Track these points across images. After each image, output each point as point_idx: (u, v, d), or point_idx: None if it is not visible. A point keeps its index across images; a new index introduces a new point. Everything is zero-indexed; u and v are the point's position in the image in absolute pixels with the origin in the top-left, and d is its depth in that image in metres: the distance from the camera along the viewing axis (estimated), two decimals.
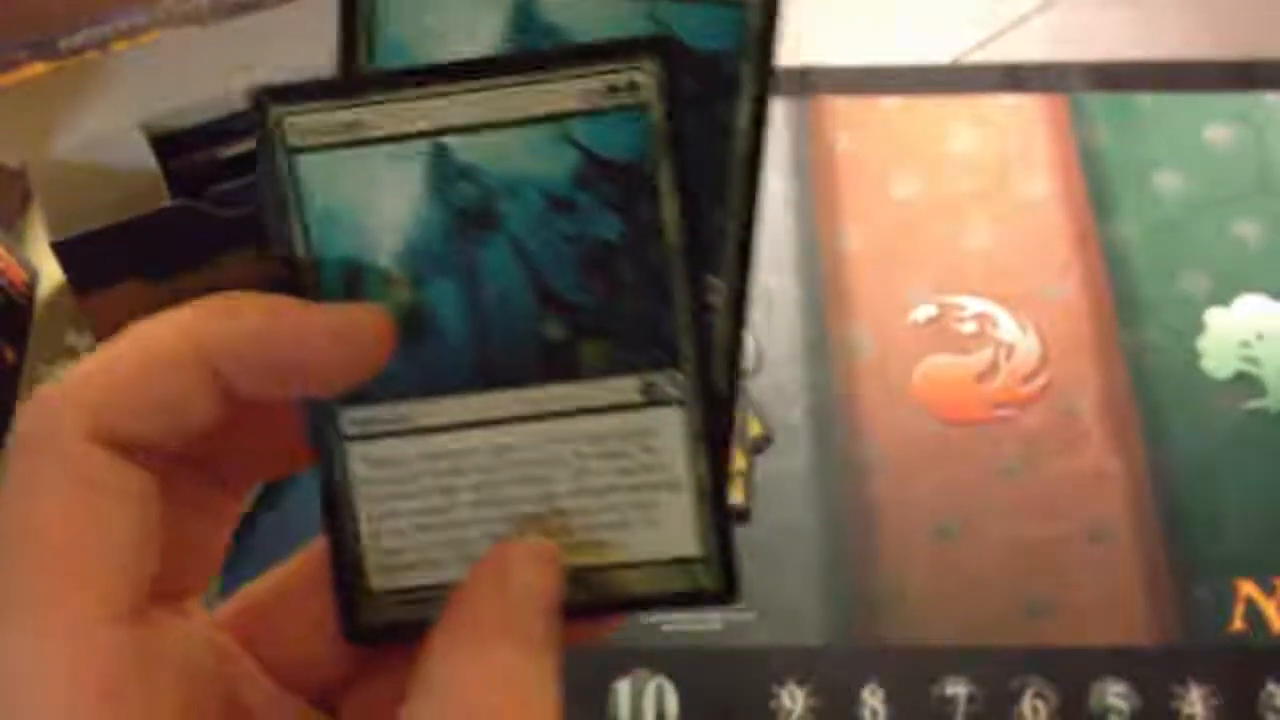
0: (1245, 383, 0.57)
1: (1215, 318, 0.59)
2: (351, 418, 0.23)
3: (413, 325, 0.23)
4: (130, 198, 0.55)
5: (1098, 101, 0.66)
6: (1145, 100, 0.66)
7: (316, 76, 0.23)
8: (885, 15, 0.72)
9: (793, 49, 0.70)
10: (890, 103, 0.66)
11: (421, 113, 0.23)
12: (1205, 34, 0.70)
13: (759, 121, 0.24)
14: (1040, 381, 0.58)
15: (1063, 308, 0.60)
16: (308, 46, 0.56)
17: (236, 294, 0.22)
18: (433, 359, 0.23)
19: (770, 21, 0.23)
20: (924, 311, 0.59)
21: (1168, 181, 0.63)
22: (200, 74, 0.57)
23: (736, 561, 0.24)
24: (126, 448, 0.21)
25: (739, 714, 0.50)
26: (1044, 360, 0.58)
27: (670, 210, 0.23)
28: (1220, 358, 0.58)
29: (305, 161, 0.23)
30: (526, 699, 0.22)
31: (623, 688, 0.50)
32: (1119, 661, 0.51)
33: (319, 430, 0.24)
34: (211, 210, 0.56)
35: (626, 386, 0.23)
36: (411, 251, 0.23)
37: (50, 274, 0.60)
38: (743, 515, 0.54)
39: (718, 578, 0.24)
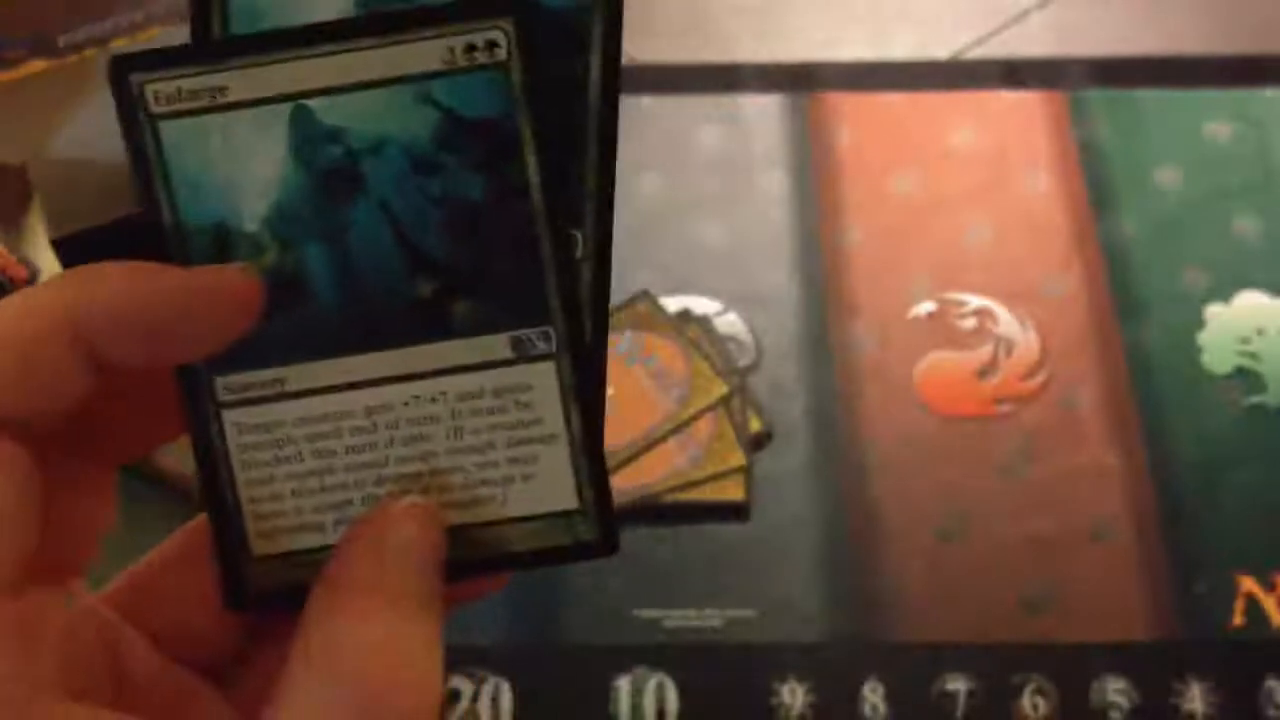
0: (1245, 378, 0.57)
1: (1215, 313, 0.59)
2: (225, 384, 0.23)
3: (283, 289, 0.23)
4: (130, 195, 0.55)
5: (1097, 98, 0.66)
6: (1145, 96, 0.66)
7: (174, 44, 0.23)
8: (885, 12, 0.72)
9: (792, 46, 0.70)
10: (890, 99, 0.66)
11: (283, 76, 0.23)
12: (1204, 30, 0.70)
13: (610, 75, 0.24)
14: (1040, 377, 0.58)
15: (1063, 304, 0.60)
16: None
17: (101, 264, 0.22)
18: (304, 322, 0.23)
19: None
20: (924, 307, 0.59)
21: (1167, 177, 0.63)
22: None
23: (612, 513, 0.24)
24: None
25: (739, 710, 0.50)
26: (1044, 356, 0.58)
27: (532, 167, 0.23)
28: (1220, 353, 0.58)
29: (168, 128, 0.23)
30: (405, 661, 0.21)
31: (623, 685, 0.50)
32: (1119, 657, 0.51)
33: (191, 397, 0.23)
34: None
35: (497, 343, 0.24)
36: (279, 215, 0.23)
37: (50, 271, 0.60)
38: (743, 512, 0.54)
39: (596, 529, 0.24)
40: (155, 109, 0.23)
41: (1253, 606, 0.52)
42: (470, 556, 0.24)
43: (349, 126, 0.23)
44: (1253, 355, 0.58)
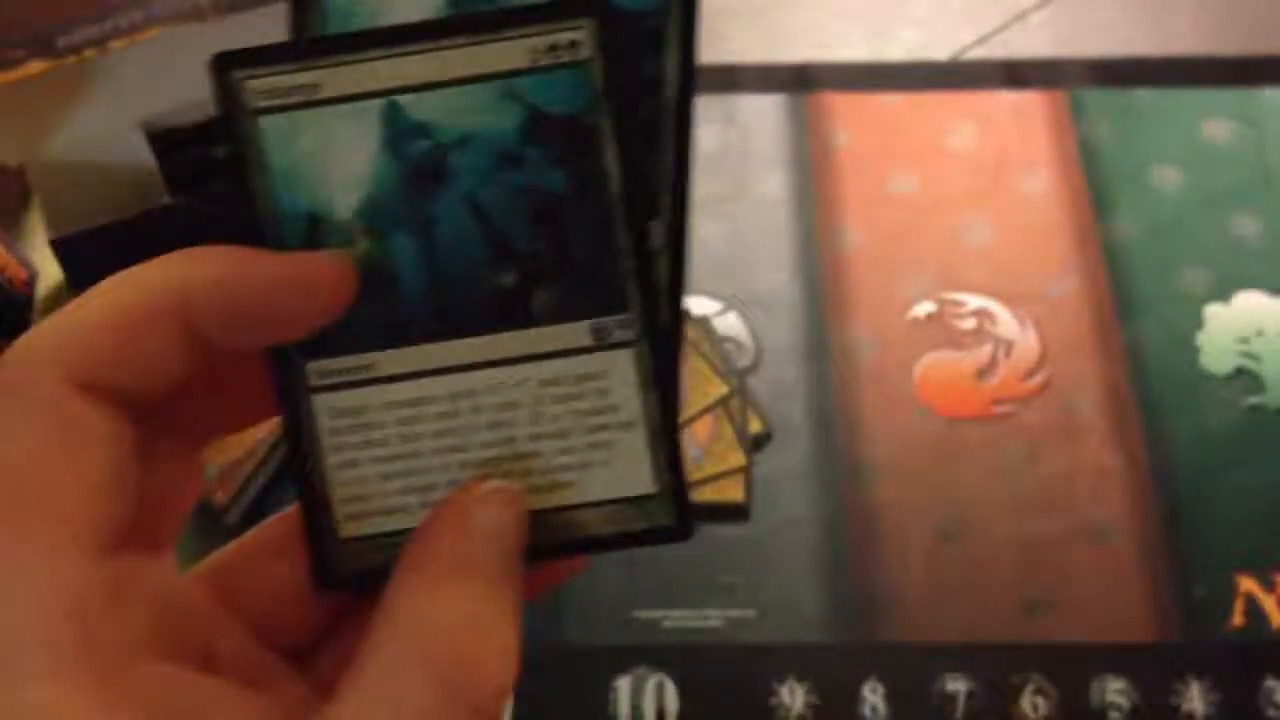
0: (1244, 379, 0.57)
1: (1214, 314, 0.59)
2: (316, 369, 0.24)
3: (372, 278, 0.24)
4: (129, 196, 0.55)
5: (1097, 98, 0.66)
6: (1144, 96, 0.66)
7: (273, 42, 0.24)
8: (885, 12, 0.72)
9: (792, 46, 0.70)
10: (890, 99, 0.66)
11: (375, 73, 0.24)
12: (1204, 30, 0.70)
13: (686, 73, 0.25)
14: (1039, 378, 0.58)
15: (1062, 304, 0.60)
16: None
17: (204, 247, 0.23)
18: (392, 310, 0.24)
19: None
20: (923, 308, 0.59)
21: (1167, 177, 0.63)
22: (198, 72, 0.57)
23: (688, 498, 0.25)
24: (100, 393, 0.21)
25: (739, 711, 0.50)
26: (1043, 357, 0.58)
27: (612, 161, 0.24)
28: (1219, 354, 0.58)
29: (266, 121, 0.24)
30: (487, 637, 0.22)
31: (623, 685, 0.50)
32: (1119, 657, 0.51)
33: (284, 383, 0.24)
34: (209, 208, 0.56)
35: (578, 331, 0.24)
36: (369, 206, 0.24)
37: (49, 272, 0.60)
38: (743, 512, 0.54)
39: (672, 514, 0.25)
40: (255, 103, 0.24)
41: (1253, 606, 0.52)
42: (548, 540, 0.25)
43: (437, 121, 0.24)
44: (1252, 355, 0.58)
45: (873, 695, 0.50)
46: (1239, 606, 0.52)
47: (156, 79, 0.57)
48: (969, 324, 0.59)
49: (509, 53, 0.24)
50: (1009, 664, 0.51)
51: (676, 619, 0.52)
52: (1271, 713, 0.49)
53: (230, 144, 0.24)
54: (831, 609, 0.52)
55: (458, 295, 0.24)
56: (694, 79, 0.25)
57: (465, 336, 0.24)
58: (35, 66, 0.58)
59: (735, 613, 0.52)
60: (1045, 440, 0.56)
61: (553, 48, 0.24)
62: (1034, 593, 0.52)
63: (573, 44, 0.24)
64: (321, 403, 0.24)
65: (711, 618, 0.52)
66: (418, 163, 0.24)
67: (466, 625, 0.22)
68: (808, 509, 0.54)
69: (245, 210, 0.24)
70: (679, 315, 0.25)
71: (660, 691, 0.50)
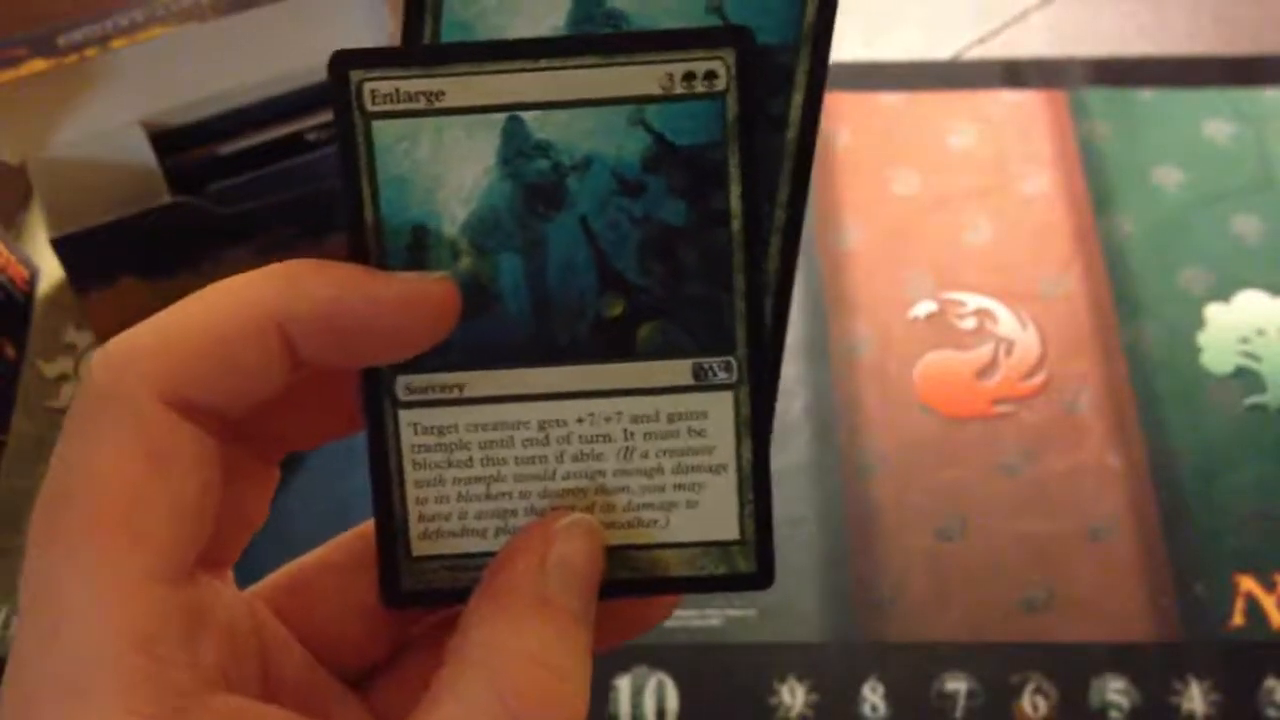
0: (1245, 378, 0.57)
1: (1215, 313, 0.59)
2: (406, 384, 0.24)
3: (474, 296, 0.23)
4: (130, 195, 0.55)
5: (1097, 97, 0.66)
6: (1145, 96, 0.66)
7: (396, 45, 0.23)
8: (885, 12, 0.72)
9: None
10: (890, 99, 0.66)
11: (500, 86, 0.23)
12: (1205, 29, 0.70)
13: (811, 115, 0.24)
14: (1040, 377, 0.58)
15: (1063, 303, 0.60)
16: (307, 43, 0.56)
17: (306, 261, 0.22)
18: (491, 330, 0.24)
19: (827, 15, 0.24)
20: (924, 307, 0.59)
21: (1167, 177, 0.63)
22: (200, 71, 0.57)
23: (772, 547, 0.24)
24: (193, 411, 0.21)
25: (739, 710, 0.50)
26: (1044, 356, 0.58)
27: (736, 200, 0.23)
28: (1220, 353, 0.58)
29: (380, 127, 0.23)
30: (559, 675, 0.22)
31: (623, 684, 0.50)
32: (1119, 657, 0.51)
33: (371, 395, 0.24)
34: (211, 207, 0.56)
35: (679, 369, 0.24)
36: (479, 223, 0.23)
37: (50, 271, 0.60)
38: None
39: (754, 561, 0.24)
40: (371, 107, 0.23)
41: (1253, 606, 0.52)
42: (626, 577, 0.24)
43: (560, 142, 0.23)
44: (1253, 355, 0.58)
45: (873, 695, 0.50)
46: (1239, 606, 0.52)
47: (158, 78, 0.57)
48: (969, 324, 0.59)
49: (641, 78, 0.23)
50: (1009, 664, 0.51)
51: (676, 618, 0.52)
52: (1271, 713, 0.49)
53: (340, 146, 0.23)
54: (831, 609, 0.52)
55: (560, 322, 0.24)
56: (817, 120, 0.24)
57: (563, 364, 0.24)
58: (35, 66, 0.58)
59: (735, 612, 0.52)
60: (1045, 440, 0.56)
61: (688, 76, 0.23)
62: (1034, 592, 0.52)
63: (710, 75, 0.23)
64: (408, 418, 0.24)
65: (711, 617, 0.52)
66: (534, 182, 0.23)
67: (541, 661, 0.22)
68: (808, 508, 0.54)
69: (348, 216, 0.23)
70: (778, 362, 0.24)
71: (660, 691, 0.50)
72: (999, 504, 0.54)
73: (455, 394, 0.24)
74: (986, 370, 0.58)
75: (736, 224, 0.23)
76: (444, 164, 0.23)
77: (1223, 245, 0.61)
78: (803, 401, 0.57)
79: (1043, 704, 0.50)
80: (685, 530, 0.24)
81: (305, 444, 0.25)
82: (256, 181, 0.56)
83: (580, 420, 0.24)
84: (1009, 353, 0.58)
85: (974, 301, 0.60)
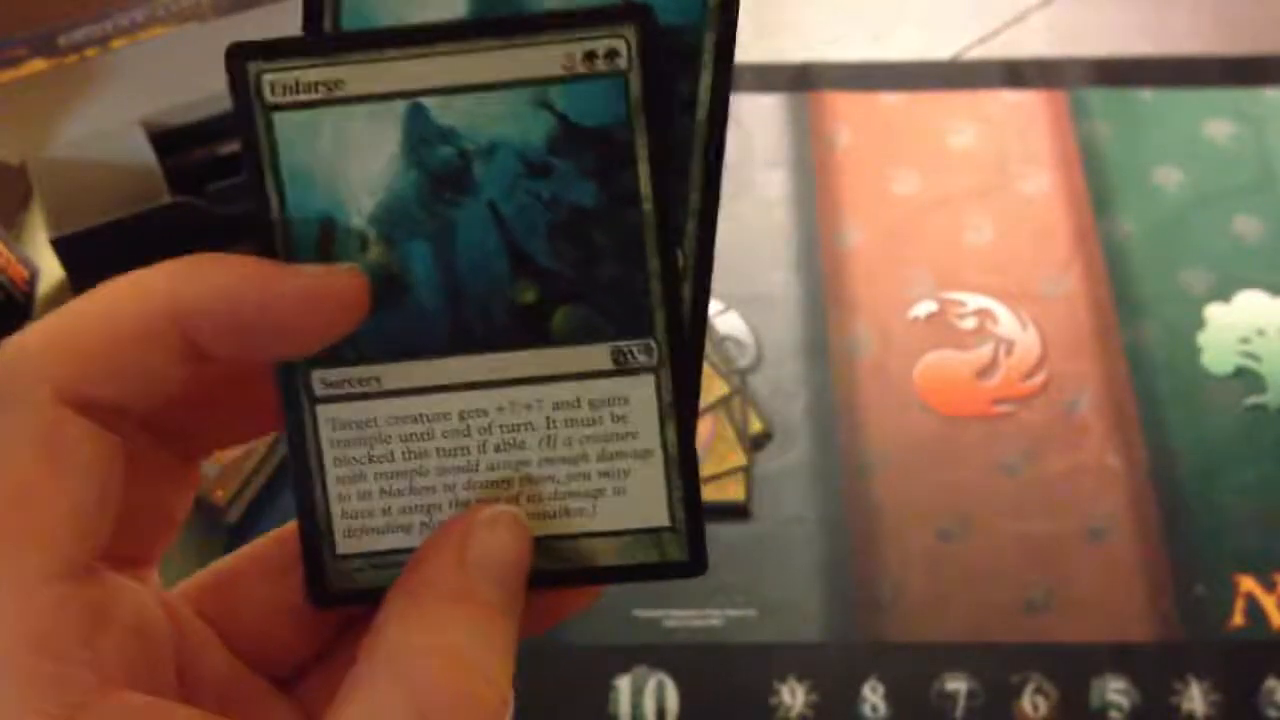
0: (1245, 378, 0.57)
1: (1215, 313, 0.59)
2: (321, 378, 0.23)
3: (386, 287, 0.23)
4: (130, 194, 0.55)
5: (1098, 97, 0.66)
6: (1145, 96, 0.66)
7: (293, 34, 0.23)
8: (886, 11, 0.72)
9: (792, 46, 0.70)
10: (891, 99, 0.66)
11: (400, 73, 0.22)
12: (1205, 29, 0.70)
13: (720, 95, 0.24)
14: (1040, 377, 0.58)
15: (1063, 304, 0.60)
16: None
17: (206, 255, 0.22)
18: (405, 321, 0.23)
19: None
20: (924, 308, 0.59)
21: (1168, 177, 0.63)
22: (200, 71, 0.57)
23: (703, 533, 0.24)
24: (93, 409, 0.21)
25: (739, 710, 0.50)
26: (1044, 356, 0.58)
27: (645, 178, 0.23)
28: (1220, 354, 0.58)
29: (282, 119, 0.23)
30: (475, 672, 0.21)
31: (623, 684, 0.50)
32: (1119, 657, 0.51)
33: (288, 390, 0.23)
34: (211, 207, 0.56)
35: (598, 354, 0.23)
36: (386, 213, 0.23)
37: (50, 270, 0.60)
38: (743, 512, 0.54)
39: (685, 549, 0.24)
40: (271, 99, 0.23)
41: (1253, 606, 0.52)
42: (555, 568, 0.24)
43: (463, 127, 0.23)
44: (1253, 355, 0.58)
45: (873, 695, 0.50)
46: (1239, 606, 0.52)
47: (158, 78, 0.57)
48: (970, 323, 0.59)
49: (542, 59, 0.22)
50: (1009, 664, 0.51)
51: (677, 618, 0.52)
52: (1271, 713, 0.49)
53: (243, 140, 0.23)
54: (831, 609, 0.52)
55: (474, 309, 0.23)
56: (728, 102, 0.23)
57: (479, 353, 0.23)
58: (36, 66, 0.58)
59: (735, 612, 0.52)
60: (1045, 440, 0.56)
61: (589, 55, 0.22)
62: (1034, 592, 0.52)
63: (611, 53, 0.22)
64: (326, 413, 0.23)
65: (711, 617, 0.52)
66: (440, 170, 0.23)
67: (456, 659, 0.21)
68: (808, 508, 0.54)
69: (254, 210, 0.23)
70: (699, 345, 0.24)
71: (660, 691, 0.50)
72: (999, 504, 0.54)
73: (373, 387, 0.23)
74: (986, 370, 0.58)
75: (648, 205, 0.23)
76: (348, 154, 0.23)
77: (1223, 245, 0.61)
78: (803, 401, 0.57)
79: (1043, 704, 0.50)
80: (613, 518, 0.24)
81: (225, 442, 0.25)
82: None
83: (501, 409, 0.23)
84: (1009, 353, 0.58)
85: (974, 301, 0.60)
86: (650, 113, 0.23)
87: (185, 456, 0.24)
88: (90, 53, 0.58)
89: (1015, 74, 0.67)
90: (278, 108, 0.23)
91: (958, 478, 0.55)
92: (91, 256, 0.55)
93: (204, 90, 0.57)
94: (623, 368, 0.23)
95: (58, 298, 0.60)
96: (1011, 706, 0.50)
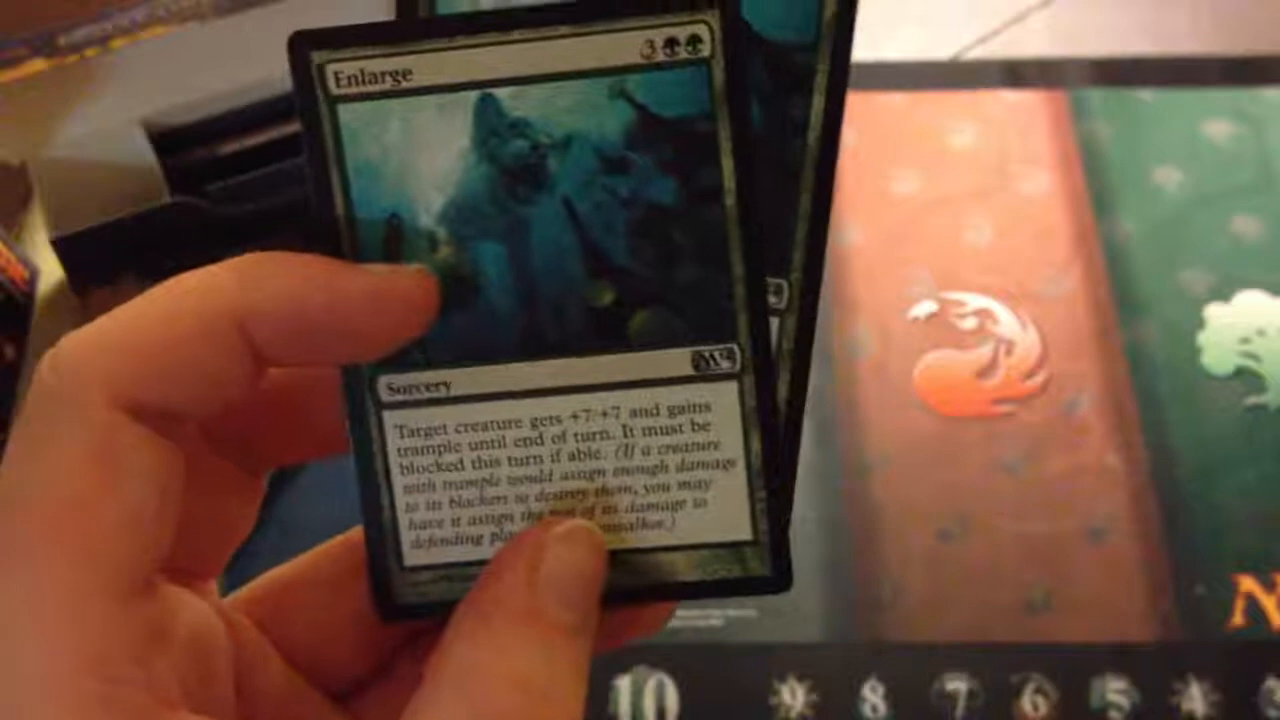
0: (1245, 379, 0.57)
1: (1215, 313, 0.59)
2: (388, 383, 0.22)
3: (455, 288, 0.22)
4: (130, 194, 0.55)
5: (1098, 97, 0.66)
6: (1145, 96, 0.66)
7: (359, 22, 0.22)
8: (885, 12, 0.72)
9: None
10: (891, 99, 0.66)
11: (471, 62, 0.21)
12: (1205, 29, 0.70)
13: (832, 120, 0.22)
14: (1040, 377, 0.58)
15: (1063, 304, 0.60)
16: None
17: (269, 253, 0.21)
18: (476, 324, 0.22)
19: (847, 11, 0.22)
20: (924, 308, 0.59)
21: (1168, 177, 0.63)
22: (200, 70, 0.57)
23: (787, 547, 0.23)
24: (151, 415, 0.20)
25: (740, 710, 0.50)
26: (1044, 356, 0.58)
27: (729, 174, 0.22)
28: (1220, 354, 0.58)
29: (347, 111, 0.22)
30: (545, 697, 0.20)
31: (623, 684, 0.50)
32: (1119, 657, 0.51)
33: (353, 396, 0.22)
34: (211, 207, 0.56)
35: (678, 359, 0.22)
36: (456, 210, 0.22)
37: (50, 271, 0.60)
38: None
39: (769, 563, 0.23)
40: (335, 90, 0.21)
41: (1253, 606, 0.52)
42: (630, 583, 0.23)
43: (536, 119, 0.21)
44: (1253, 355, 0.58)
45: (873, 695, 0.50)
46: (1239, 606, 0.52)
47: (158, 77, 0.57)
48: (970, 324, 0.59)
49: (620, 46, 0.21)
50: (1009, 664, 0.51)
51: (677, 618, 0.52)
52: (1271, 713, 0.49)
53: (305, 133, 0.22)
54: (831, 609, 0.52)
55: (547, 312, 0.22)
56: (840, 127, 0.22)
57: (553, 357, 0.22)
58: (36, 65, 0.58)
59: (735, 612, 0.52)
60: (1045, 440, 0.56)
61: (670, 43, 0.21)
62: (1034, 593, 0.52)
63: (693, 40, 0.21)
64: (393, 420, 0.22)
65: (712, 617, 0.52)
66: (512, 164, 0.22)
67: (525, 682, 0.20)
68: (808, 508, 0.54)
69: (317, 207, 0.22)
70: (803, 382, 0.23)
71: (660, 691, 0.50)
72: (999, 504, 0.54)
73: (441, 392, 0.22)
74: (986, 370, 0.58)
75: (730, 200, 0.22)
76: (416, 148, 0.22)
77: (1223, 245, 0.61)
78: None
79: (1043, 704, 0.50)
80: (693, 531, 0.23)
81: (289, 456, 0.24)
82: (256, 181, 0.56)
83: (575, 416, 0.22)
84: (1009, 353, 0.58)
85: (974, 301, 0.60)
86: (734, 103, 0.21)
87: (248, 469, 0.23)
88: (90, 53, 0.58)
89: (1015, 74, 0.67)
90: (342, 99, 0.21)
91: (958, 478, 0.55)
92: (91, 256, 0.55)
93: (204, 90, 0.57)
94: (704, 374, 0.22)
95: (58, 298, 0.60)
96: (1011, 706, 0.50)
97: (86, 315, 0.57)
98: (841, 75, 0.22)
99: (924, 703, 0.50)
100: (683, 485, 0.23)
